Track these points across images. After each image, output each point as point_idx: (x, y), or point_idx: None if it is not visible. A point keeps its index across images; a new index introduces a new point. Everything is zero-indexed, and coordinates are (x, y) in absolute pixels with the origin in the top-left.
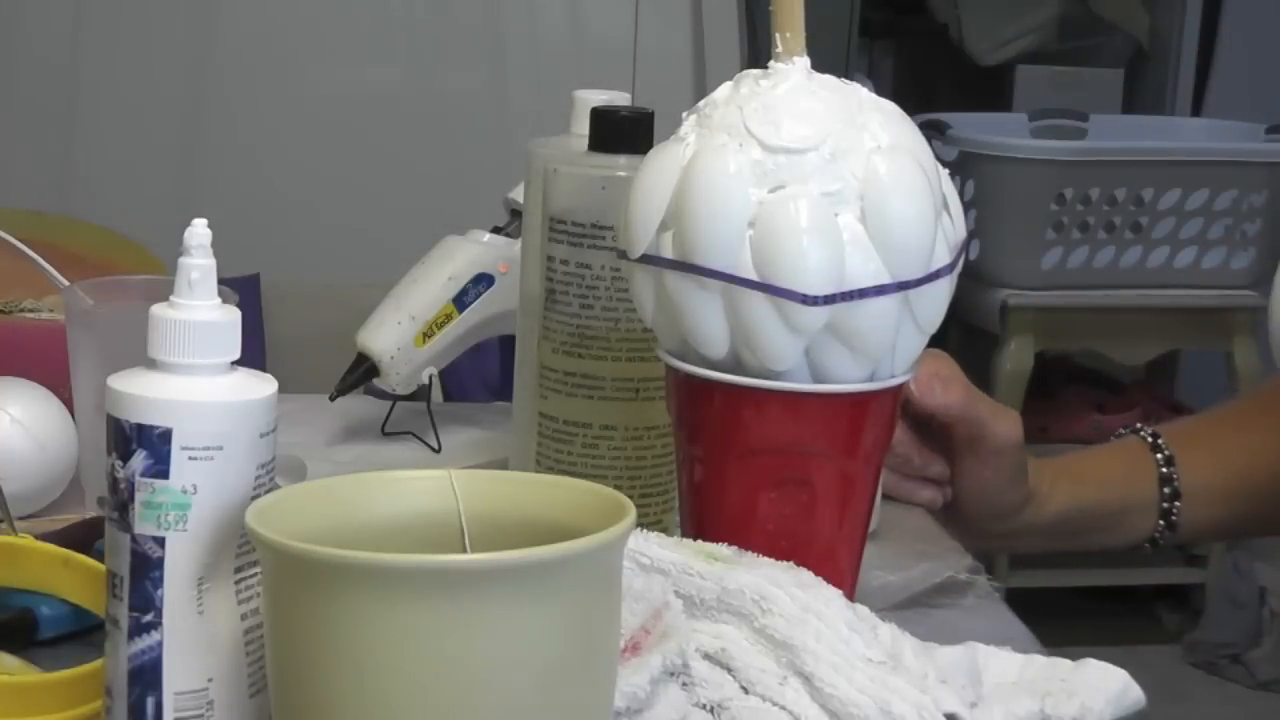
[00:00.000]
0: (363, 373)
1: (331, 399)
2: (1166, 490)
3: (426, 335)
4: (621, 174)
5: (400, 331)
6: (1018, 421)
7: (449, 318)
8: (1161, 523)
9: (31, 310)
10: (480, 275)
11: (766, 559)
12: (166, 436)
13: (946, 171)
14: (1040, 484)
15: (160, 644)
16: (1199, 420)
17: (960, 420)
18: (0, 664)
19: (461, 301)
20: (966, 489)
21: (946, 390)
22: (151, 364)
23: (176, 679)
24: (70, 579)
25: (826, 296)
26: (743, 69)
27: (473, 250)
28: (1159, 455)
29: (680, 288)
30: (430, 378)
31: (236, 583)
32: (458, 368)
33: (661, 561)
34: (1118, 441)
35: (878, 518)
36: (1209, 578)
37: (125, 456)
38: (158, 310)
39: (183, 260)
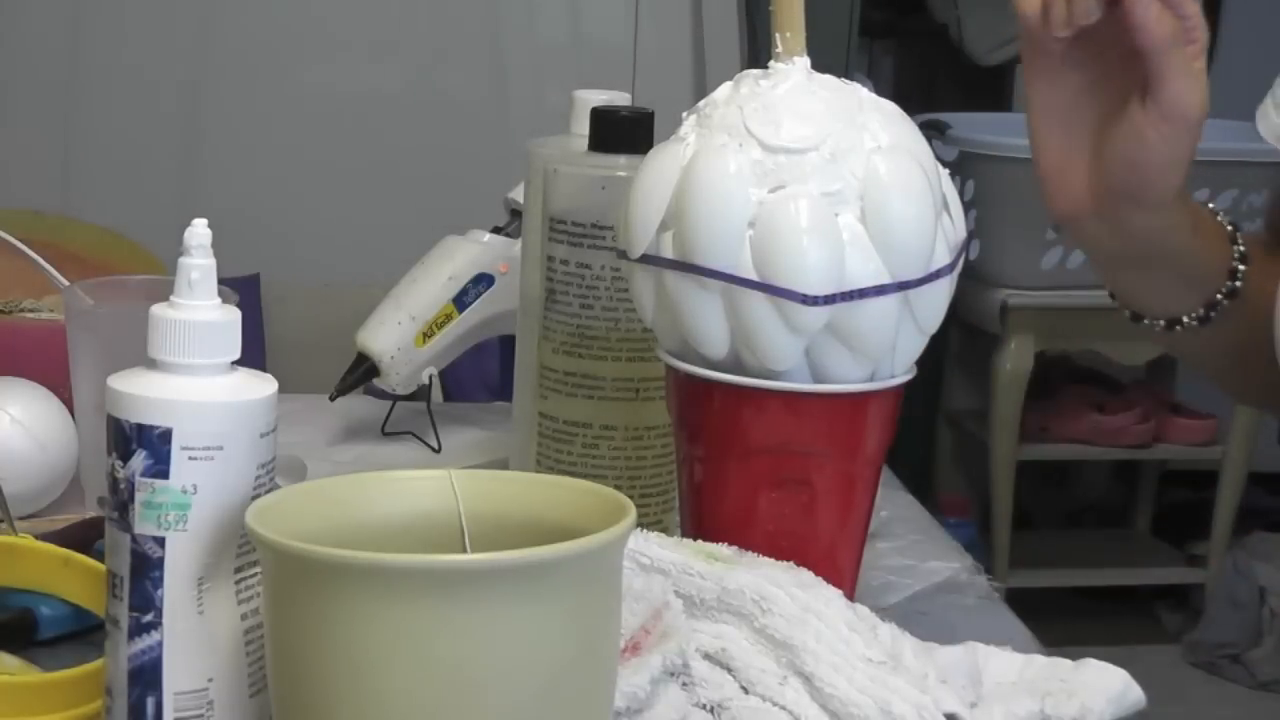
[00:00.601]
0: (363, 373)
1: (331, 399)
2: (1237, 251)
3: (426, 335)
4: (621, 174)
5: (400, 331)
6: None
7: (449, 318)
8: (1229, 284)
9: (31, 310)
10: (480, 275)
11: (766, 559)
12: (166, 436)
13: (946, 171)
14: (1181, 202)
15: (160, 644)
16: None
17: (1156, 51)
18: (0, 664)
19: (461, 301)
20: (1125, 138)
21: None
22: (151, 364)
23: (176, 679)
24: (70, 579)
25: (826, 296)
26: (743, 69)
27: (473, 250)
28: (1230, 228)
29: (680, 288)
30: (430, 378)
31: (236, 583)
32: (458, 368)
33: (661, 561)
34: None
35: (878, 518)
36: (1209, 578)
37: (125, 456)
38: (158, 310)
39: (183, 260)
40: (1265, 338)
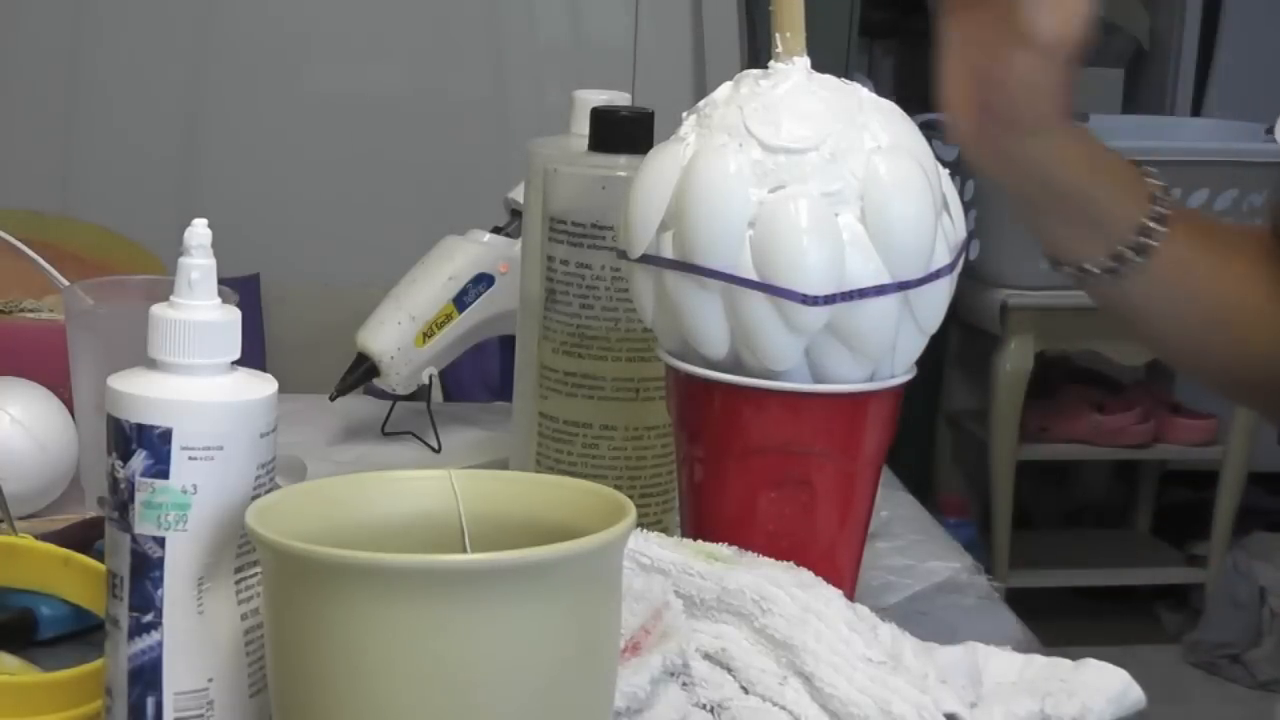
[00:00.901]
0: (363, 372)
1: (332, 399)
2: (1155, 210)
3: (426, 335)
4: (621, 174)
5: (400, 331)
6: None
7: (449, 318)
8: (1138, 239)
9: (31, 310)
10: (480, 275)
11: (766, 559)
12: (166, 436)
13: (946, 171)
14: (1070, 138)
15: (160, 644)
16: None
17: None
18: (0, 664)
19: (461, 301)
20: (988, 56)
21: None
22: (151, 364)
23: (176, 679)
24: (70, 579)
25: (826, 296)
26: (743, 69)
27: (473, 250)
28: (1158, 189)
29: (680, 288)
30: (430, 378)
31: (236, 583)
32: (458, 368)
33: (661, 561)
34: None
35: (878, 518)
36: (1209, 578)
37: (125, 456)
38: (158, 310)
39: (183, 260)
40: (1188, 316)
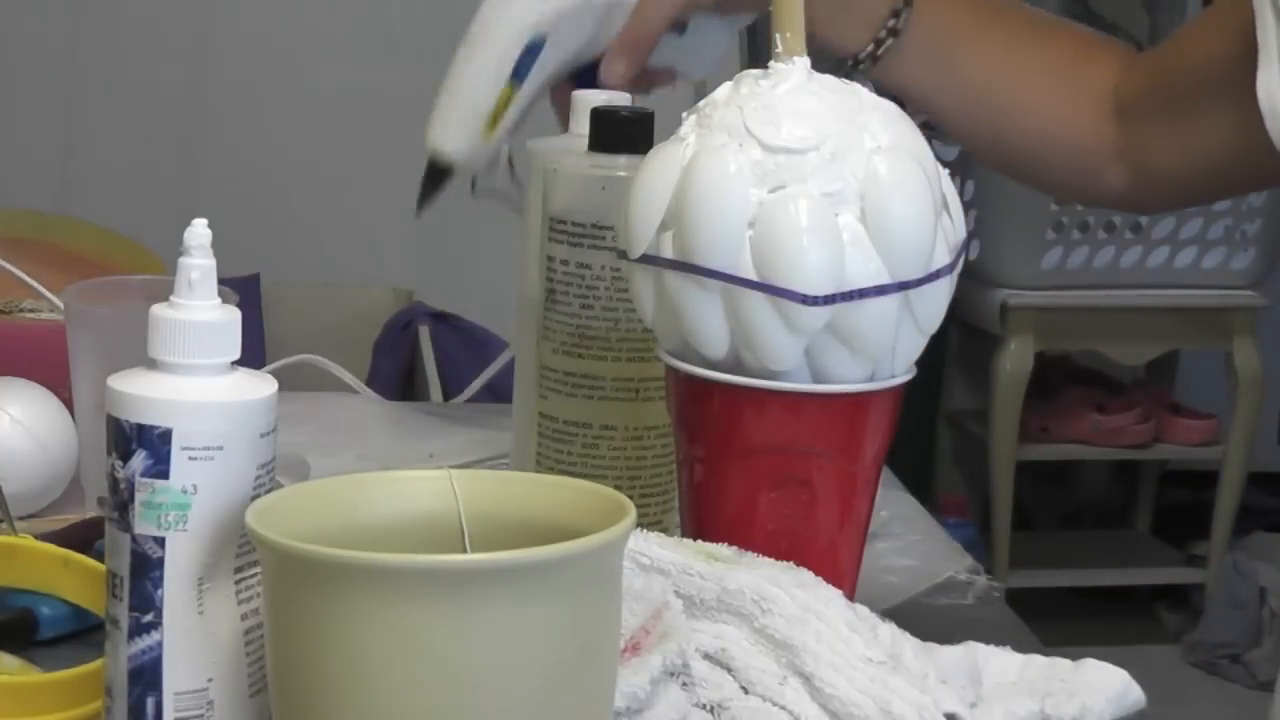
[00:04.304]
0: (437, 176)
1: (417, 215)
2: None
3: (492, 124)
4: (621, 174)
5: (466, 129)
6: None
7: (509, 99)
8: (891, 21)
9: (31, 310)
10: (529, 46)
11: (766, 559)
12: (166, 436)
13: (946, 171)
14: None
15: (160, 644)
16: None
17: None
18: (0, 664)
19: (517, 76)
20: None
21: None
22: (151, 364)
23: (176, 679)
24: (70, 579)
25: (826, 296)
26: (743, 69)
27: (512, 21)
28: None
29: (680, 288)
30: (508, 155)
31: (236, 583)
32: (458, 367)
33: (661, 561)
34: None
35: (878, 518)
36: (1209, 578)
37: (125, 456)
38: (158, 310)
39: (183, 260)
40: (953, 93)
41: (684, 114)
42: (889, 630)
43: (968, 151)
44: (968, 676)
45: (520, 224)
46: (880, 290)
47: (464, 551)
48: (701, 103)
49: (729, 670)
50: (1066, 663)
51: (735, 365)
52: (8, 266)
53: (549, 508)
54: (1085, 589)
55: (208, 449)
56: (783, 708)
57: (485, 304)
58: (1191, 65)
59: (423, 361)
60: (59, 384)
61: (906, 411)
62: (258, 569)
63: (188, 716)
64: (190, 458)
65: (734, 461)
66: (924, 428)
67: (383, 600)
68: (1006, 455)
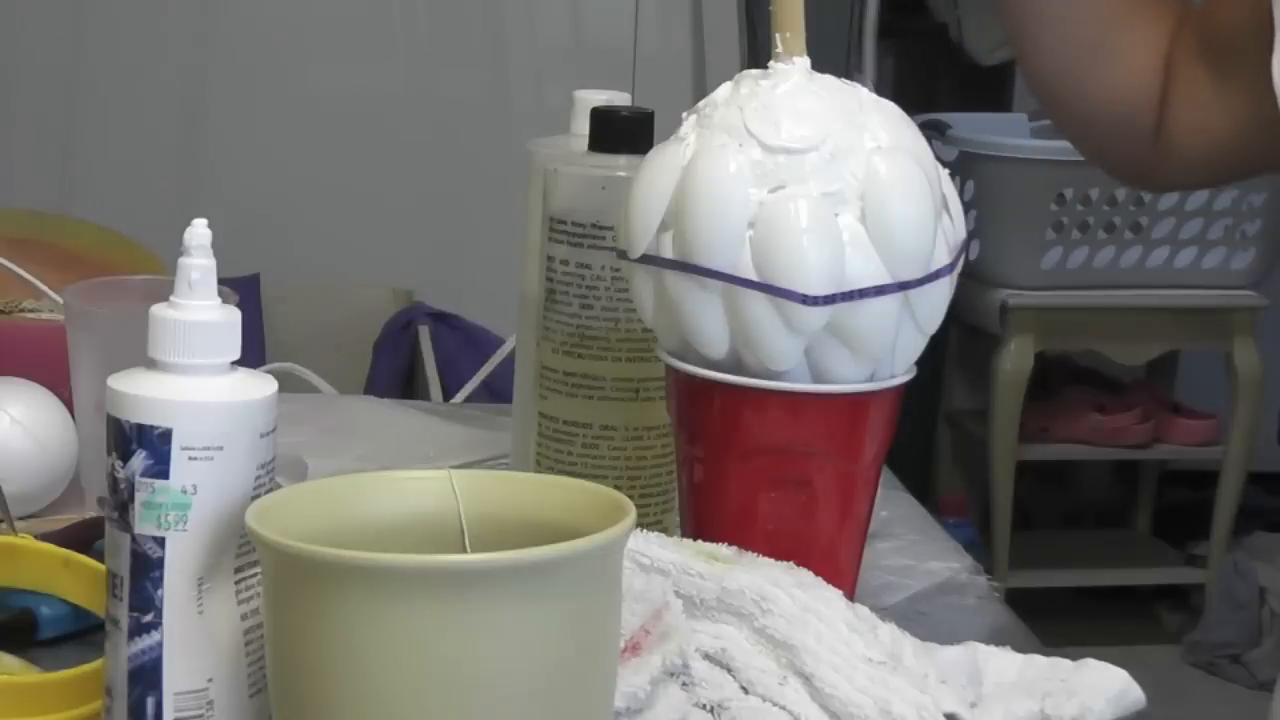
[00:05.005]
0: None
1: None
2: None
3: None
4: (621, 174)
5: None
6: None
7: None
8: None
9: (31, 310)
10: None
11: (766, 559)
12: (166, 436)
13: (946, 171)
14: None
15: (160, 644)
16: None
17: None
18: (0, 664)
19: None
20: None
21: None
22: (151, 364)
23: (176, 679)
24: (70, 579)
25: (826, 296)
26: (743, 69)
27: None
28: None
29: (680, 288)
30: None
31: (236, 583)
32: (458, 367)
33: (661, 561)
34: None
35: (878, 518)
36: (1209, 578)
37: (125, 456)
38: (158, 310)
39: (183, 260)
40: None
41: (684, 114)
42: (889, 630)
43: (1042, 105)
44: (968, 676)
45: (523, 223)
46: (880, 290)
47: (464, 551)
48: (701, 103)
49: (729, 670)
50: (1066, 663)
51: (735, 365)
52: (9, 265)
53: (549, 508)
54: (1085, 589)
55: (208, 449)
56: (783, 708)
57: (485, 304)
58: (1216, 33)
59: (423, 361)
60: (59, 384)
61: (906, 411)
62: (258, 569)
63: (188, 716)
64: (190, 458)
65: (734, 462)
66: (924, 428)
67: (383, 600)
68: (1006, 455)
